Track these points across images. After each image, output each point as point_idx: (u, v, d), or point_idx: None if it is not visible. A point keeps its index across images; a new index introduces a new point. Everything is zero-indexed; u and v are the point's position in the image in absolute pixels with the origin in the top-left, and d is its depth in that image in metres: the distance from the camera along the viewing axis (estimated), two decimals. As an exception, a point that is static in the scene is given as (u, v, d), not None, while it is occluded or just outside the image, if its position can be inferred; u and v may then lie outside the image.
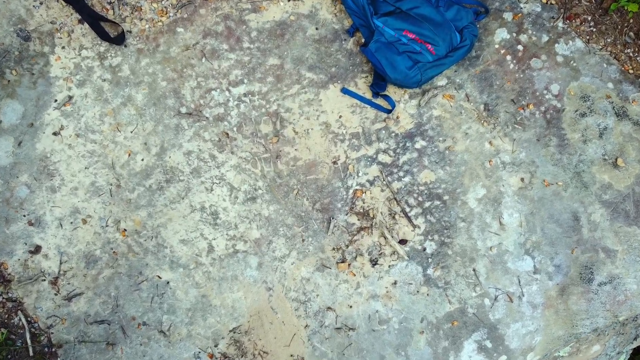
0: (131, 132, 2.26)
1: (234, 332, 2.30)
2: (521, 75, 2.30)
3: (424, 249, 2.32)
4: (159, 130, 2.27)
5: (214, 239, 2.30)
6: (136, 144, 2.27)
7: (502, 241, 2.32)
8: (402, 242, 2.31)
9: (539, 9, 2.35)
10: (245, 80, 2.28)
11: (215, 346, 2.30)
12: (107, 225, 2.27)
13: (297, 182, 2.30)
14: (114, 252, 2.27)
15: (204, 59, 2.26)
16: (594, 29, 2.36)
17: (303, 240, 2.31)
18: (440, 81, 2.31)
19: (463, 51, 2.21)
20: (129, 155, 2.26)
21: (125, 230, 2.27)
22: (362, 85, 2.30)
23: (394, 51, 2.16)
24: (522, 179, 2.31)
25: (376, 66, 2.18)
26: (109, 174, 2.26)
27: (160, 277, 2.28)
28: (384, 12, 2.18)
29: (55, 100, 2.24)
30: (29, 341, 2.23)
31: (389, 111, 2.30)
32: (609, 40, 2.35)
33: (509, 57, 2.32)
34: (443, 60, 2.20)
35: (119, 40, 2.23)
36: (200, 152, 2.28)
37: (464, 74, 2.31)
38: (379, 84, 2.26)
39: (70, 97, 2.24)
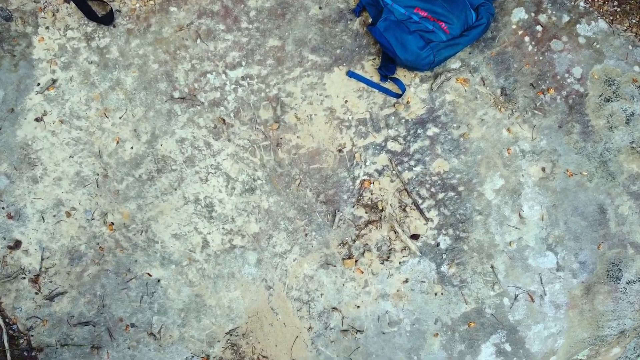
0: (120, 118, 2.20)
1: (231, 335, 2.26)
2: (540, 58, 2.22)
3: (438, 244, 2.25)
4: (150, 116, 2.20)
5: (209, 234, 2.24)
6: (125, 131, 2.20)
7: (522, 236, 2.25)
8: (414, 237, 2.21)
9: (559, -13, 2.25)
10: (244, 63, 2.20)
11: (210, 350, 2.26)
12: (93, 219, 2.21)
13: (300, 172, 2.23)
14: (100, 247, 2.22)
15: (198, 40, 2.19)
16: (618, 9, 2.27)
17: (306, 235, 2.25)
18: (454, 64, 2.22)
19: (479, 30, 2.11)
20: (117, 143, 2.20)
21: (112, 223, 2.22)
22: (369, 68, 2.22)
23: (404, 30, 2.06)
24: (543, 169, 2.24)
25: (385, 47, 2.08)
26: (95, 163, 2.20)
27: (150, 275, 2.23)
28: (394, -11, 2.08)
29: (38, 84, 2.18)
30: (6, 344, 2.17)
31: (398, 95, 2.21)
32: (634, 20, 2.26)
33: (527, 39, 2.23)
34: (457, 39, 2.10)
35: (108, 20, 2.16)
36: (195, 139, 2.21)
37: (479, 56, 2.22)
38: (387, 67, 2.17)
39: (54, 81, 2.18)
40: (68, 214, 2.21)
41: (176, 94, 2.20)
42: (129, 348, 2.24)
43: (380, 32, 2.08)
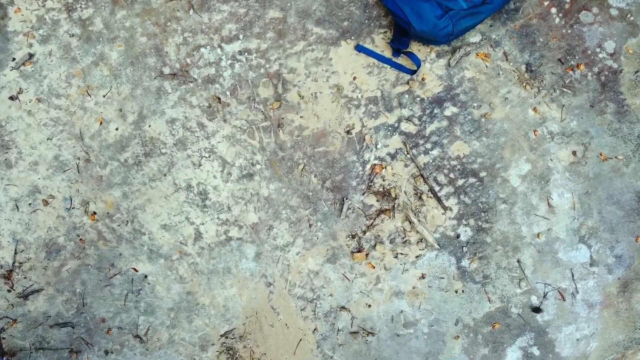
0: (104, 96, 2.15)
1: (227, 337, 2.24)
2: (569, 31, 2.16)
3: (458, 236, 2.22)
4: (137, 94, 2.15)
5: (203, 224, 2.21)
6: (109, 111, 2.15)
7: (551, 227, 2.21)
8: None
9: (588, -47, 2.22)
10: (241, 36, 2.15)
11: (204, 354, 2.24)
12: (72, 208, 2.18)
13: (303, 156, 2.19)
14: (80, 239, 2.19)
15: (191, 11, 2.13)
16: (653, -22, 2.26)
17: (310, 226, 2.22)
18: (473, 37, 2.16)
19: (503, -2, 2.09)
20: (101, 123, 2.16)
21: (94, 213, 2.19)
22: (380, 41, 2.16)
23: (419, -3, 2.05)
24: (574, 152, 2.19)
25: (398, 16, 2.00)
26: (76, 146, 2.16)
27: (136, 270, 2.21)
28: (407, -48, 2.03)
29: (13, 59, 2.13)
30: (-26, 348, 2.14)
31: (412, 72, 2.14)
32: (671, -10, 2.26)
33: (553, 10, 2.16)
34: (479, 8, 2.00)
35: (91, -12, 2.13)
36: (187, 120, 2.17)
37: (501, 29, 2.15)
38: (400, 40, 2.09)
39: (31, 55, 2.13)
40: (45, 203, 2.17)
41: (166, 70, 2.15)
42: (111, 352, 2.22)
43: (392, 0, 2.00)
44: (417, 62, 2.10)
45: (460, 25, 1.99)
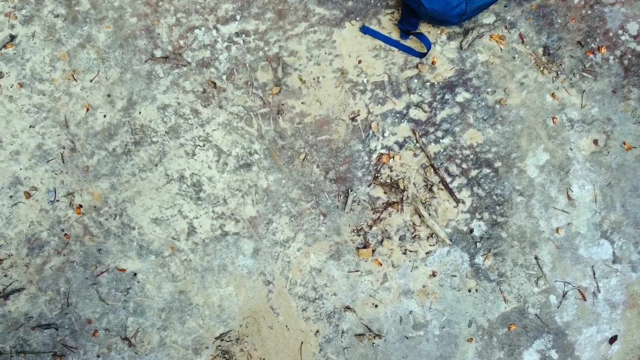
0: (90, 81, 2.13)
1: (222, 340, 2.23)
2: (589, 12, 2.13)
3: (471, 231, 2.19)
4: (127, 78, 2.14)
5: (196, 218, 2.19)
6: (97, 97, 2.14)
7: (571, 221, 2.19)
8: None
9: None
10: (238, 17, 2.13)
11: (197, 358, 2.22)
12: (57, 200, 2.16)
13: (305, 144, 2.17)
14: (65, 234, 2.18)
15: None
16: (678, -45, 2.20)
17: (313, 220, 2.20)
18: (487, 18, 2.12)
19: (519, -25, 2.01)
20: (87, 110, 2.14)
21: (80, 206, 2.17)
22: (386, 23, 2.13)
23: (430, -26, 2.01)
24: (596, 141, 2.16)
25: None
26: (60, 134, 2.14)
27: (122, 271, 2.20)
28: None
29: None
30: (-50, 352, 2.12)
31: (422, 55, 2.11)
32: (697, -32, 2.20)
33: None
34: None
35: (77, -35, 2.05)
36: (180, 106, 2.15)
37: (516, 9, 2.12)
38: (409, 21, 2.07)
39: (13, 37, 2.11)
40: (27, 195, 2.16)
41: (158, 53, 2.13)
42: (98, 356, 2.21)
43: (400, -23, 1.96)
44: (427, 45, 2.07)
45: (474, 3, 1.95)
